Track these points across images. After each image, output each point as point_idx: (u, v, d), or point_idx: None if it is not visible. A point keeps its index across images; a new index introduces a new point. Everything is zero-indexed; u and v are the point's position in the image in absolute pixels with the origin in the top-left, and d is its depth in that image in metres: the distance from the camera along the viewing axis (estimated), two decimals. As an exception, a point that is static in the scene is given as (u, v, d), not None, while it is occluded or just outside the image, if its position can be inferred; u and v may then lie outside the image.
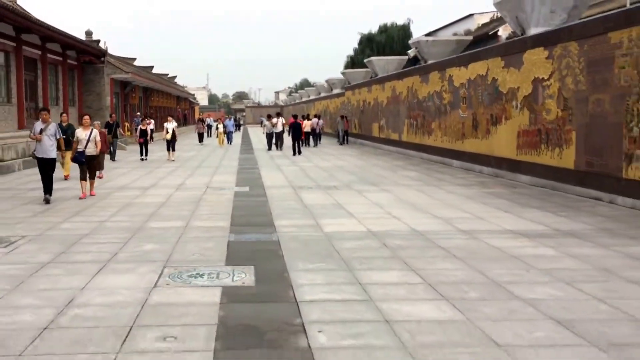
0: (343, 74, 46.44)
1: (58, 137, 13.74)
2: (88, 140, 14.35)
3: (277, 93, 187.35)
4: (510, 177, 17.00)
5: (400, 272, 7.20)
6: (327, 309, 5.82)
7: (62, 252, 8.37)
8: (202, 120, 44.87)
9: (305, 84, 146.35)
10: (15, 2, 31.62)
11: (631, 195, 11.86)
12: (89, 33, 43.81)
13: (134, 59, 56.22)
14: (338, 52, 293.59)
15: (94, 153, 14.52)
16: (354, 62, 74.19)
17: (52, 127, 13.62)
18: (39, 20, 29.47)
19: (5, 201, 13.46)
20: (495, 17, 63.13)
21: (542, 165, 15.36)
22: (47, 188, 13.29)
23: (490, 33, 40.61)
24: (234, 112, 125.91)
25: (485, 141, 18.92)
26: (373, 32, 79.39)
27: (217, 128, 40.03)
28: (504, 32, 52.82)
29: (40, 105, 31.41)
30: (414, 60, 33.75)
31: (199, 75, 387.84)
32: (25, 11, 32.17)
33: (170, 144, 26.39)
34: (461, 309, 5.81)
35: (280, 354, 4.77)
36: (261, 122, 79.78)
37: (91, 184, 14.41)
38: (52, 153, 13.48)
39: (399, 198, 13.63)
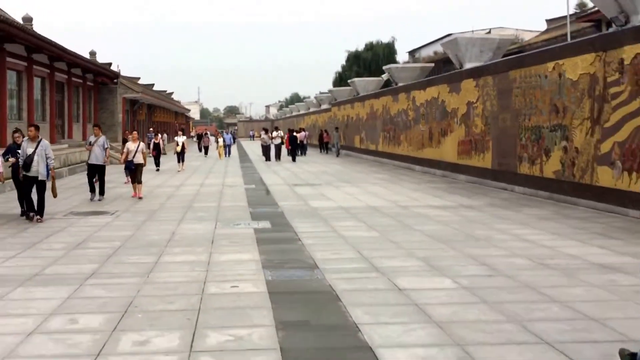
0: (330, 91, 52.21)
1: (106, 146, 18.67)
2: (136, 151, 19.36)
3: (267, 107, 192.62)
4: (453, 177, 22.59)
5: (353, 222, 12.72)
6: (312, 234, 11.31)
7: (149, 217, 13.83)
8: (206, 134, 50.16)
9: (295, 98, 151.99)
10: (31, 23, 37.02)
11: (522, 185, 17.48)
12: (92, 53, 49.27)
13: (139, 78, 61.81)
14: (327, 65, 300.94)
15: (141, 161, 19.26)
16: (341, 78, 79.70)
17: (102, 140, 18.20)
18: (69, 50, 34.97)
19: (77, 195, 18.75)
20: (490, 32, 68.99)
21: (473, 166, 20.96)
22: (97, 189, 17.28)
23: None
24: (226, 126, 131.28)
25: (437, 149, 24.54)
26: (360, 49, 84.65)
27: (216, 142, 45.36)
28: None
29: (67, 121, 36.97)
30: (388, 82, 39.35)
31: (189, 88, 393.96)
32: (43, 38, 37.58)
33: (180, 156, 31.32)
34: (382, 232, 11.32)
35: (289, 246, 10.25)
36: (251, 136, 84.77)
37: (139, 186, 18.16)
38: (101, 160, 17.65)
39: (365, 190, 19.17)
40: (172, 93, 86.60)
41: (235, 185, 21.53)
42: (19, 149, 13.67)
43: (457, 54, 22.29)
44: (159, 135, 35.47)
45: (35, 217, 13.09)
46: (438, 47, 71.89)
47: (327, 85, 70.54)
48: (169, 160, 35.41)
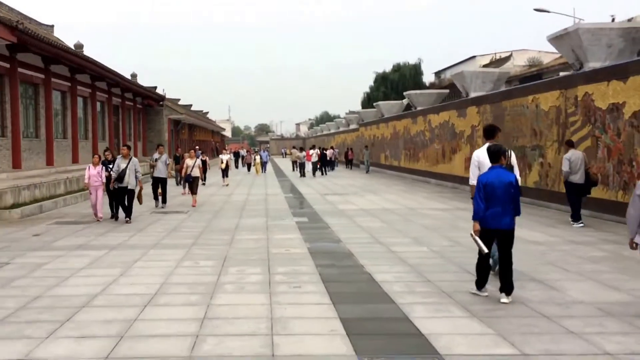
0: (358, 112, 56.77)
1: (167, 162, 23.22)
2: (193, 167, 23.89)
3: (297, 125, 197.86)
4: (461, 188, 26.88)
5: (369, 217, 17.13)
6: (338, 224, 15.73)
7: (215, 215, 18.38)
8: (248, 152, 54.89)
9: (325, 117, 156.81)
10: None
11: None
12: (134, 76, 54.48)
13: (179, 100, 67.02)
14: (356, 84, 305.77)
15: (197, 175, 23.85)
16: (369, 98, 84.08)
17: (164, 157, 22.95)
18: (124, 77, 40.02)
19: (149, 202, 23.30)
20: (494, 59, 73.33)
21: (475, 179, 25.21)
22: (162, 198, 21.31)
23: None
24: (258, 144, 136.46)
25: (448, 165, 28.87)
26: (387, 70, 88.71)
27: (254, 159, 49.90)
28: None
29: (122, 141, 41.99)
30: (408, 106, 43.74)
31: (220, 106, 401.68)
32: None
33: (225, 172, 35.82)
34: (389, 224, 15.71)
35: (321, 231, 14.70)
36: (283, 153, 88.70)
37: (194, 196, 22.33)
38: (164, 174, 22.30)
39: (384, 198, 23.57)
40: (207, 112, 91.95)
41: (276, 194, 26.09)
42: (110, 164, 18.16)
43: (463, 85, 26.67)
44: (204, 155, 40.28)
45: (125, 219, 16.91)
46: (462, 68, 76.28)
47: (355, 103, 75.66)
48: (212, 176, 40.05)
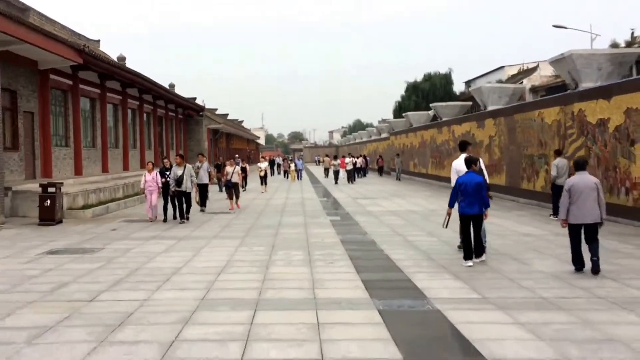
0: (388, 122, 59.61)
1: (209, 170, 26.19)
2: (233, 173, 26.83)
3: (330, 132, 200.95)
4: (480, 193, 29.51)
5: (394, 217, 19.97)
6: (366, 221, 18.61)
7: (259, 215, 21.38)
8: (285, 160, 58.04)
9: (358, 125, 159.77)
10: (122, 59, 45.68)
11: (523, 197, 24.40)
12: (172, 85, 57.98)
13: (216, 109, 70.47)
14: (388, 92, 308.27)
15: (237, 181, 26.75)
16: (400, 107, 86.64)
17: (205, 165, 25.79)
18: (168, 89, 43.41)
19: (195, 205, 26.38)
20: (521, 69, 75.63)
21: (495, 184, 27.95)
22: (203, 202, 24.20)
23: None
24: (292, 152, 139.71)
25: (469, 172, 31.54)
26: (418, 80, 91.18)
27: (288, 167, 52.89)
28: (528, 82, 65.60)
29: (165, 149, 45.35)
30: (435, 116, 46.44)
31: (253, 113, 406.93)
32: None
33: (263, 179, 38.66)
34: (410, 221, 18.54)
35: (351, 227, 17.60)
36: (317, 161, 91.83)
37: (237, 200, 25.26)
38: (206, 180, 25.00)
39: (409, 202, 26.38)
40: (242, 121, 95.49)
41: (312, 198, 29.07)
42: (167, 171, 21.19)
43: (481, 99, 29.40)
44: (244, 162, 43.38)
45: (180, 220, 19.73)
46: (491, 78, 78.83)
47: (387, 112, 78.98)
48: (250, 182, 43.12)
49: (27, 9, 27.16)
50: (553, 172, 17.64)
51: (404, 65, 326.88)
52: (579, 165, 10.67)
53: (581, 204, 10.25)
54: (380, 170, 56.03)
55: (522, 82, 62.41)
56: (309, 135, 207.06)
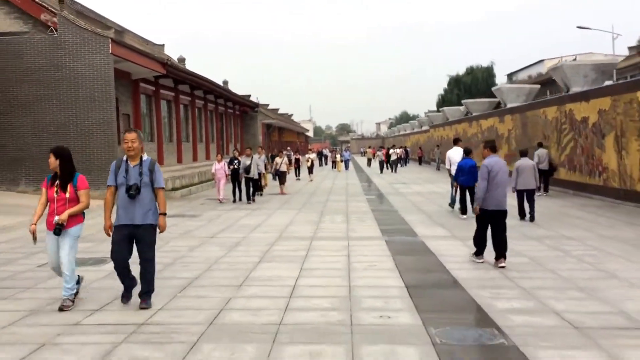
0: (428, 116, 64.82)
1: (265, 161, 31.91)
2: (281, 163, 32.47)
3: (378, 124, 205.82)
4: (500, 179, 34.74)
5: (419, 197, 25.45)
6: (396, 199, 24.14)
7: (310, 196, 27.06)
8: (332, 151, 63.76)
9: (404, 116, 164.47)
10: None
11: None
12: (225, 82, 64.05)
13: (268, 105, 76.49)
14: (434, 83, 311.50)
15: (284, 170, 32.45)
16: (443, 100, 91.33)
17: (263, 157, 31.72)
18: (228, 89, 49.39)
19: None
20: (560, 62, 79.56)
21: (510, 171, 33.13)
22: (253, 192, 30.64)
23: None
24: (339, 143, 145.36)
25: (493, 161, 36.76)
26: (460, 73, 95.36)
27: (334, 158, 58.46)
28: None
29: (225, 142, 51.44)
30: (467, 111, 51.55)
31: (301, 105, 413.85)
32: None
33: (310, 169, 44.43)
34: (430, 199, 24.00)
35: (383, 203, 23.15)
36: (362, 152, 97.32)
37: (283, 186, 31.10)
38: (263, 170, 31.34)
39: (437, 186, 31.68)
40: (292, 115, 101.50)
41: (354, 184, 34.70)
42: (235, 160, 26.92)
43: (502, 97, 34.59)
44: (296, 154, 49.14)
45: (248, 201, 25.68)
46: (531, 71, 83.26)
47: (432, 103, 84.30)
48: (302, 171, 48.96)
49: (123, 31, 33.26)
50: (535, 159, 22.94)
51: (450, 57, 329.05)
52: (523, 153, 16.23)
53: (525, 178, 15.83)
54: (420, 160, 61.52)
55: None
56: (356, 127, 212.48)
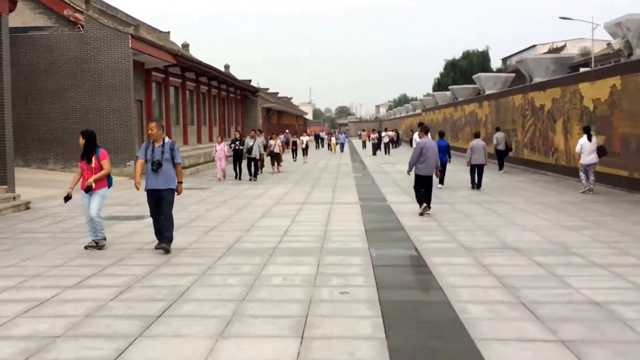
0: (420, 100, 68.63)
1: (264, 143, 35.77)
2: (275, 145, 36.29)
3: (377, 107, 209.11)
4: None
5: (399, 174, 29.36)
6: (379, 176, 28.05)
7: (305, 174, 30.96)
8: (328, 134, 67.66)
9: (403, 99, 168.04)
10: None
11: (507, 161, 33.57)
12: (227, 67, 67.80)
13: (268, 89, 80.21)
14: (434, 67, 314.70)
15: (278, 151, 36.31)
16: (440, 83, 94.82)
17: (261, 140, 35.64)
18: (232, 75, 53.10)
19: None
20: (551, 48, 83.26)
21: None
22: (255, 170, 34.59)
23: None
24: (338, 126, 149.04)
25: (473, 143, 40.63)
26: (457, 57, 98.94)
27: (330, 140, 62.45)
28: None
29: (227, 125, 55.31)
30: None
31: (302, 88, 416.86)
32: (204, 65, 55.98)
33: (305, 150, 48.40)
34: (406, 176, 27.95)
35: (366, 179, 27.06)
36: (359, 135, 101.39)
37: (279, 167, 35.33)
38: (257, 154, 35.22)
39: (419, 165, 35.58)
40: (291, 98, 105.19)
41: (347, 164, 38.63)
42: (237, 141, 30.73)
43: (481, 85, 38.41)
44: (294, 136, 53.01)
45: (250, 179, 29.62)
46: (525, 55, 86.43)
47: (430, 87, 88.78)
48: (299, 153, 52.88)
49: (138, 25, 36.98)
50: (494, 142, 26.85)
51: (446, 42, 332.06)
52: (476, 135, 20.26)
53: (477, 155, 19.74)
54: (411, 143, 65.26)
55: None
56: (355, 109, 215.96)
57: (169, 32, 58.63)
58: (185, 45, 57.27)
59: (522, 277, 8.58)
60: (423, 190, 15.22)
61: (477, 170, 20.77)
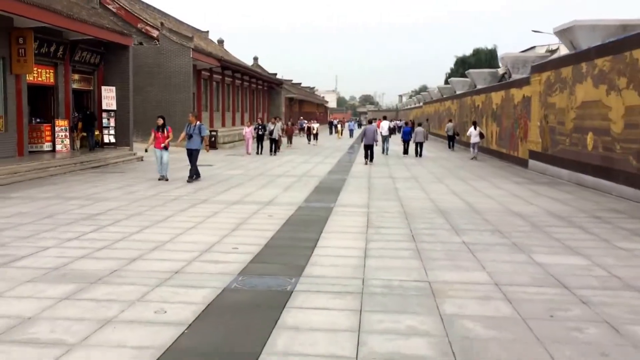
0: (422, 94, 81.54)
1: (283, 127, 48.69)
2: (275, 130, 49.22)
3: (400, 96, 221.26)
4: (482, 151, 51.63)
5: (378, 149, 42.55)
6: (362, 152, 41.28)
7: (312, 154, 44.26)
8: (340, 122, 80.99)
9: (423, 89, 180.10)
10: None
11: (486, 152, 46.65)
12: (255, 59, 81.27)
13: (291, 80, 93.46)
14: (447, 60, 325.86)
15: (275, 137, 49.32)
16: (450, 78, 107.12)
17: (280, 125, 48.54)
18: (258, 72, 66.34)
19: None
20: (548, 49, 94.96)
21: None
22: (275, 148, 47.48)
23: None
24: (358, 114, 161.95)
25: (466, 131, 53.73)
26: (467, 54, 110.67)
27: (336, 127, 75.34)
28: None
29: (255, 113, 68.86)
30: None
31: (328, 76, 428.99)
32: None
33: (315, 135, 61.31)
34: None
35: (351, 155, 40.31)
36: (370, 122, 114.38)
37: (276, 149, 48.38)
38: (276, 135, 47.93)
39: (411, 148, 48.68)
40: (314, 88, 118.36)
41: (346, 145, 51.79)
42: (260, 126, 43.92)
43: (472, 80, 51.15)
44: (309, 121, 66.13)
45: (270, 154, 42.66)
46: (530, 53, 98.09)
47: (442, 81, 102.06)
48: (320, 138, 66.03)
49: (192, 36, 50.44)
50: (446, 129, 39.82)
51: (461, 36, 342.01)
52: (419, 124, 33.65)
53: (418, 136, 33.29)
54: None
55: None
56: (379, 98, 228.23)
57: (207, 32, 71.87)
58: (221, 41, 70.98)
59: (394, 188, 21.88)
60: (369, 152, 28.45)
61: (419, 145, 33.98)
